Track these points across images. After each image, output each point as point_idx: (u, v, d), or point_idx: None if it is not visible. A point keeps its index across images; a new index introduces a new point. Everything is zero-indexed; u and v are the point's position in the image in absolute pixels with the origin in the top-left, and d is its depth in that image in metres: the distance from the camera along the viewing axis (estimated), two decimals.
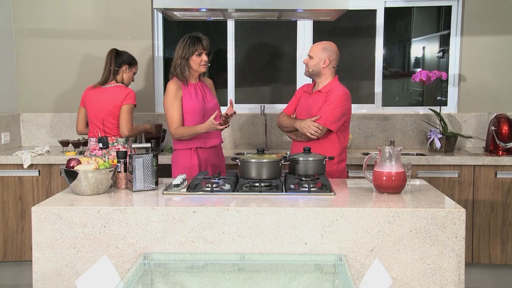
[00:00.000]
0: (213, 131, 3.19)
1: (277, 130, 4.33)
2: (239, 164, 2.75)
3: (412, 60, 4.92)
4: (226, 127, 3.15)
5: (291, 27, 4.59)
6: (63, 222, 2.32)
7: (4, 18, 4.35)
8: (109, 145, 3.59)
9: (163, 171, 3.21)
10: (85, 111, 3.71)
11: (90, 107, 3.64)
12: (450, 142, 4.16)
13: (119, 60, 3.66)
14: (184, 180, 2.76)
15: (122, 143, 3.62)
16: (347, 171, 3.53)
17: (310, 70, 3.29)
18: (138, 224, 2.32)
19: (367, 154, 3.95)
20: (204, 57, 3.26)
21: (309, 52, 3.32)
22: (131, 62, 3.73)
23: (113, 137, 3.60)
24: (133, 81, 3.79)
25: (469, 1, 4.36)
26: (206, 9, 3.80)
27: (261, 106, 4.43)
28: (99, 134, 3.58)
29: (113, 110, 3.59)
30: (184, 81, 3.27)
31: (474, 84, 4.43)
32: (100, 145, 3.55)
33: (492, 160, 3.85)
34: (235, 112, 3.13)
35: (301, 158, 2.82)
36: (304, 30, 4.56)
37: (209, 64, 3.39)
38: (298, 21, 4.53)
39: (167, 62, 4.61)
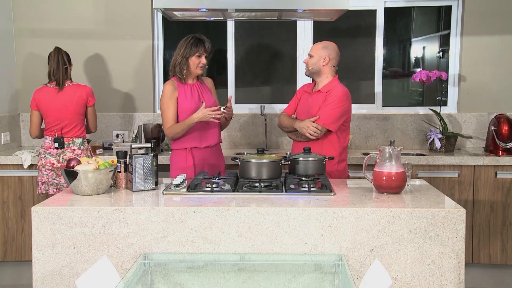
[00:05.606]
0: (207, 120, 3.16)
1: (277, 130, 4.33)
2: (239, 164, 2.75)
3: (412, 60, 4.92)
4: (220, 117, 3.20)
5: (291, 27, 4.59)
6: (63, 222, 2.32)
7: (4, 18, 4.35)
8: (65, 146, 3.59)
9: (163, 171, 3.21)
10: (39, 113, 3.67)
11: (46, 108, 3.61)
12: (450, 142, 4.16)
13: (67, 57, 3.68)
14: (184, 180, 2.75)
15: (78, 144, 3.64)
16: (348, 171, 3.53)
17: (310, 68, 3.29)
18: (138, 224, 2.32)
19: (367, 154, 3.95)
20: (203, 60, 3.28)
21: (309, 52, 3.32)
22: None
23: (69, 138, 3.62)
24: None
25: (469, 1, 4.35)
26: (206, 9, 3.80)
27: (261, 106, 4.42)
28: (55, 134, 3.58)
29: (75, 108, 3.61)
30: (181, 80, 3.28)
31: (474, 84, 4.43)
32: (56, 144, 3.54)
33: (492, 160, 3.85)
34: (232, 111, 3.28)
35: (301, 158, 2.81)
36: (304, 30, 4.56)
37: (207, 66, 3.41)
38: (298, 21, 4.53)
39: (167, 62, 4.61)
